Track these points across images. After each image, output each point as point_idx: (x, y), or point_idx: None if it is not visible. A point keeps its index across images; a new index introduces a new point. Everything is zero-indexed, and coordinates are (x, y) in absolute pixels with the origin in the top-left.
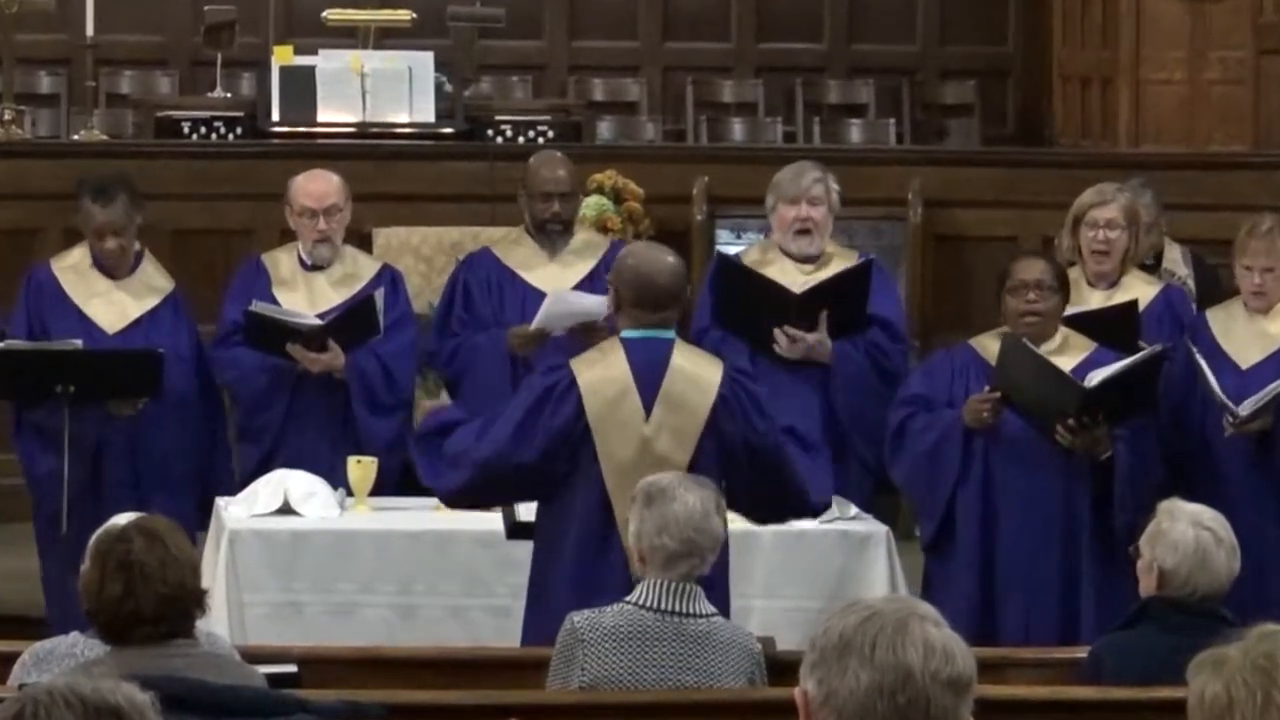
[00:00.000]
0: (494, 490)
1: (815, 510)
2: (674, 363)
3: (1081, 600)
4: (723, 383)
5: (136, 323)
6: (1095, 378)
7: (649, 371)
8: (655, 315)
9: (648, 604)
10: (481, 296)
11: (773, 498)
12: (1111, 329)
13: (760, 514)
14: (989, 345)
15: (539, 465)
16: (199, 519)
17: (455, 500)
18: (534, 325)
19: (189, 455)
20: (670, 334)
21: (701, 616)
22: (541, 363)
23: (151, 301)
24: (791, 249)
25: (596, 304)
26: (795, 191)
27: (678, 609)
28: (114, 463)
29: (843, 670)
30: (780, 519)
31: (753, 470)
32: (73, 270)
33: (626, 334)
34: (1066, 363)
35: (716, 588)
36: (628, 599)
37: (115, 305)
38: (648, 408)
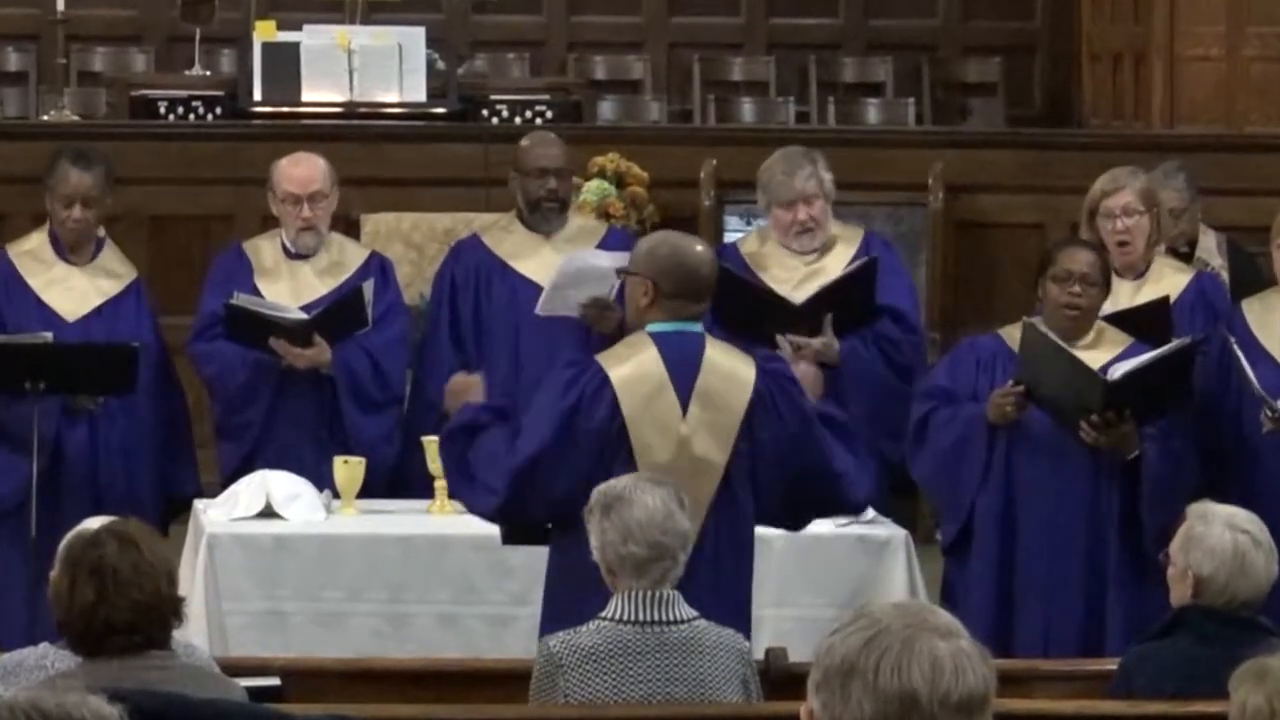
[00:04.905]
0: (531, 506)
1: (857, 504)
2: (708, 357)
3: (1107, 609)
4: (758, 378)
5: (98, 311)
6: (1119, 370)
7: (683, 367)
8: (698, 305)
9: (624, 617)
10: (464, 295)
11: (812, 492)
12: (1143, 327)
13: (796, 515)
14: (1018, 336)
15: (582, 471)
16: (161, 519)
17: (495, 519)
18: (542, 301)
19: (149, 451)
20: (699, 328)
21: (683, 622)
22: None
23: (113, 289)
24: (794, 248)
25: (612, 261)
26: (789, 195)
27: (656, 618)
28: (71, 460)
29: (846, 697)
30: (820, 514)
31: (790, 463)
32: (30, 256)
33: (654, 328)
34: (1101, 357)
35: (736, 599)
36: (602, 614)
37: (75, 292)
38: (684, 405)
